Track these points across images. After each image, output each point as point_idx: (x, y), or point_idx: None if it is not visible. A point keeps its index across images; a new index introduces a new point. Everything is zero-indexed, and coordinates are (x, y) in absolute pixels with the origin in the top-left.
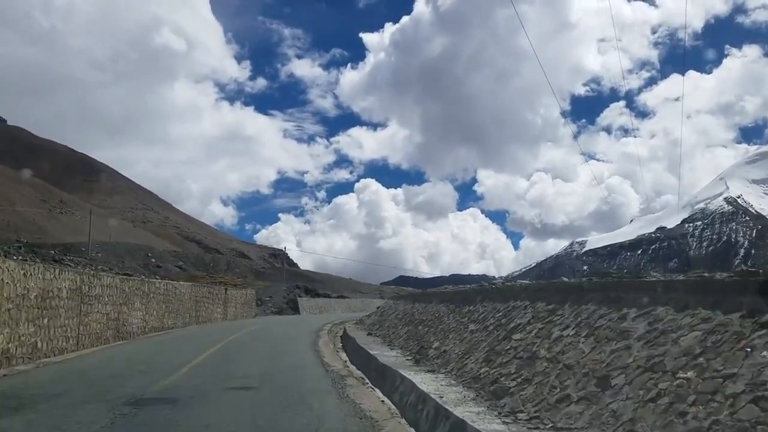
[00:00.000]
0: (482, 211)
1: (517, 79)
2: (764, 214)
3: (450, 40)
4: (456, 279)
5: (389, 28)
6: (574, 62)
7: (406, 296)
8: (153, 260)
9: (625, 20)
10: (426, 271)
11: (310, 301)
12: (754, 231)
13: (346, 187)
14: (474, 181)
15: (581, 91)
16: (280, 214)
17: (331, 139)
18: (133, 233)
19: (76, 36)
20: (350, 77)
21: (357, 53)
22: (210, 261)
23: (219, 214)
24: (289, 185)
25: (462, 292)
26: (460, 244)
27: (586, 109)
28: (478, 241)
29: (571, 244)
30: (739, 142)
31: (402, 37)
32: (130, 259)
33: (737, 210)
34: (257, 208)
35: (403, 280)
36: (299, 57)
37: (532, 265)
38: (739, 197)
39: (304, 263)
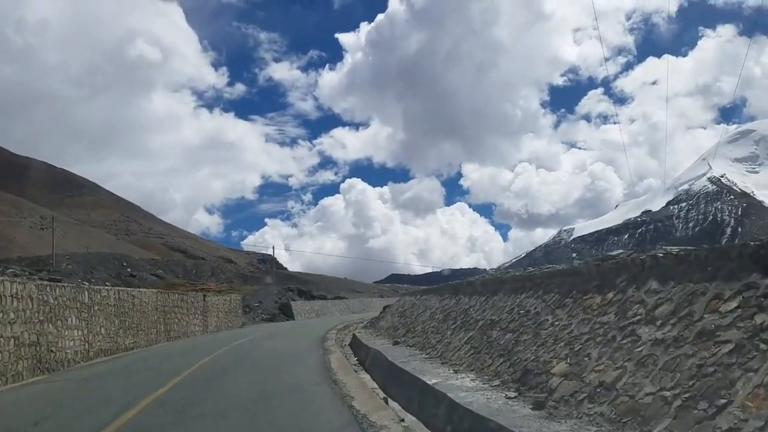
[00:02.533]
0: (469, 205)
1: (495, 72)
2: (748, 191)
3: (426, 35)
4: (448, 274)
5: (365, 27)
6: (551, 53)
7: (438, 288)
8: (128, 270)
9: (599, 8)
10: (418, 267)
11: (304, 305)
12: (740, 209)
13: (331, 189)
14: (459, 175)
15: (559, 81)
16: (266, 219)
17: (314, 141)
18: (116, 246)
19: (51, 52)
20: (329, 78)
21: (334, 54)
22: (192, 268)
23: (204, 223)
24: (274, 189)
25: (561, 273)
26: (449, 239)
27: (565, 98)
28: (467, 235)
29: (559, 233)
30: (719, 123)
31: (378, 35)
32: (103, 270)
33: (721, 189)
34: (243, 214)
35: (396, 278)
36: (277, 60)
37: (522, 256)
38: (722, 176)
39: (294, 266)
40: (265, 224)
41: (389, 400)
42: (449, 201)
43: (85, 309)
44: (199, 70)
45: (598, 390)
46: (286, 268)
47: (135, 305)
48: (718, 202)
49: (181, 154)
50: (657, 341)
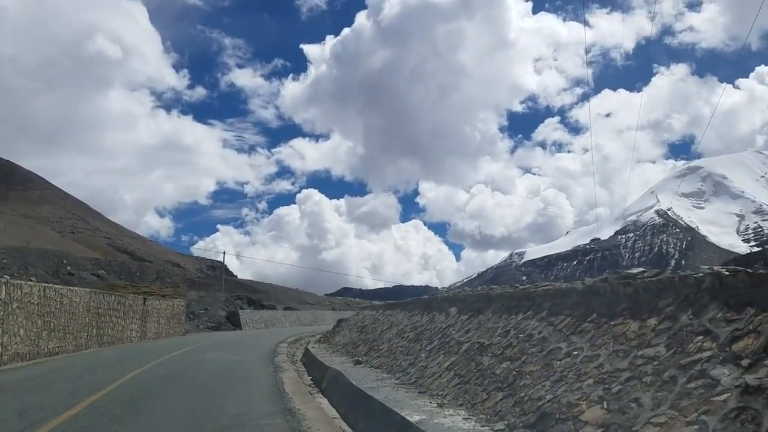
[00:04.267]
0: (424, 223)
1: (457, 94)
2: (693, 226)
3: (391, 53)
4: (400, 290)
5: (330, 40)
6: (511, 79)
7: (406, 303)
8: (68, 267)
9: (560, 40)
10: (370, 282)
11: (253, 314)
12: (684, 242)
13: (287, 198)
14: (416, 193)
15: (518, 107)
16: (218, 225)
17: (273, 150)
18: (59, 243)
19: (5, 43)
20: (292, 88)
21: (299, 64)
22: (137, 270)
23: (154, 225)
24: (228, 196)
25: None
26: (403, 256)
27: (522, 124)
28: (420, 252)
29: (511, 255)
30: (668, 158)
31: (343, 49)
32: (41, 266)
33: (668, 222)
34: (195, 219)
35: (348, 291)
36: (240, 67)
37: (474, 276)
38: (669, 210)
39: (245, 274)
40: (217, 230)
41: None
42: (405, 218)
43: (1, 306)
44: (159, 71)
45: None
46: (236, 276)
47: (64, 305)
48: (664, 235)
49: (135, 154)
50: (750, 389)
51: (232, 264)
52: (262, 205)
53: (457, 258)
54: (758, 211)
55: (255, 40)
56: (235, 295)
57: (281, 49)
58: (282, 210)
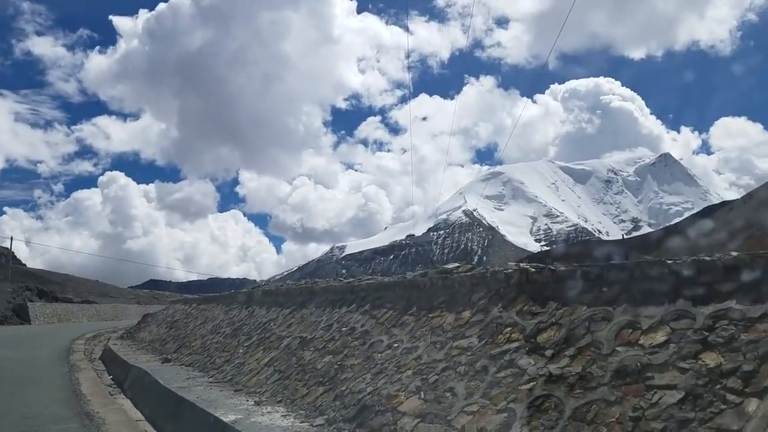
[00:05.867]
0: (244, 214)
1: (280, 85)
2: (494, 225)
3: (211, 35)
4: (215, 283)
5: (144, 14)
6: (336, 76)
7: (223, 297)
8: None
9: (383, 42)
10: (181, 274)
11: (45, 308)
12: (486, 240)
13: (88, 181)
14: (236, 182)
15: (342, 104)
16: (5, 208)
17: (73, 127)
18: None
19: None
20: (98, 62)
21: (107, 37)
22: None
23: None
24: (18, 175)
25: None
26: (220, 247)
27: (346, 121)
28: (239, 244)
29: (332, 249)
30: (475, 162)
31: (159, 25)
32: None
33: (473, 222)
34: None
35: (156, 284)
36: (39, 34)
37: (294, 269)
38: (474, 210)
39: (35, 263)
40: (3, 213)
41: None
42: (223, 207)
43: None
44: None
45: None
46: (24, 265)
47: None
48: (470, 233)
49: None
50: (553, 378)
51: (21, 251)
52: (59, 188)
53: (278, 250)
54: (548, 215)
55: (58, 7)
56: (23, 286)
57: (88, 19)
58: (81, 193)
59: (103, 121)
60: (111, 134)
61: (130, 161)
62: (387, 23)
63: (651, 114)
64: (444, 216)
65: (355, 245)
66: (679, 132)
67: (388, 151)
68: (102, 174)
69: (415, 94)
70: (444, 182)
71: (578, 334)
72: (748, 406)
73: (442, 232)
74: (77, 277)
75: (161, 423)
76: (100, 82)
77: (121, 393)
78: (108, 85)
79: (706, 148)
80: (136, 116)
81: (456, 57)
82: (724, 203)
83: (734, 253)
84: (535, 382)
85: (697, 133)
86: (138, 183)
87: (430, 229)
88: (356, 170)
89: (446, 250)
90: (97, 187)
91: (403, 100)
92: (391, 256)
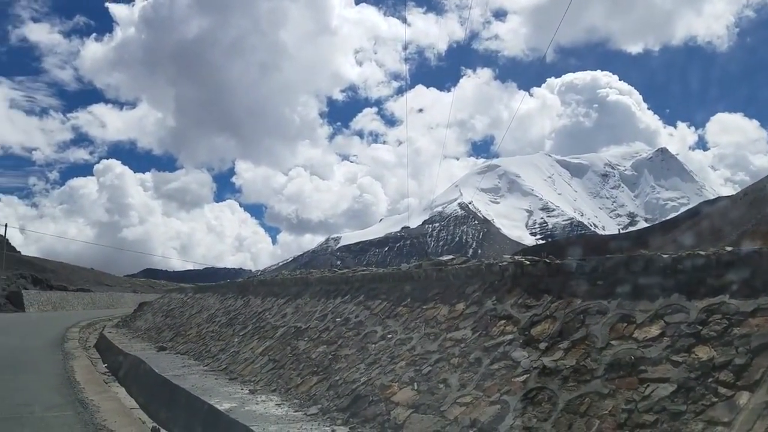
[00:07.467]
0: (240, 204)
1: (277, 75)
2: (489, 218)
3: (209, 23)
4: (211, 272)
5: (140, 2)
6: (333, 67)
7: (218, 286)
8: None
9: (380, 34)
10: (177, 263)
11: (40, 296)
12: (481, 233)
13: (84, 169)
14: (232, 172)
15: (339, 96)
16: None
17: (69, 115)
18: None
19: None
20: (95, 49)
21: (104, 24)
22: None
23: None
24: (13, 162)
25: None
26: (216, 236)
27: (342, 113)
28: (235, 234)
29: (327, 240)
30: (470, 155)
31: (155, 13)
32: None
33: (468, 214)
34: None
35: (152, 273)
36: (36, 20)
37: (289, 260)
38: (470, 203)
39: (30, 250)
40: None
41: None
42: (219, 197)
43: None
44: None
45: None
46: (19, 252)
47: None
48: (465, 226)
49: None
50: (547, 370)
51: (16, 238)
52: (54, 175)
53: (274, 241)
54: (544, 208)
55: None
56: (18, 273)
57: (84, 6)
58: (77, 181)
59: (99, 109)
60: (107, 122)
61: (126, 150)
62: (384, 14)
63: (648, 108)
64: (439, 208)
65: (350, 236)
66: (675, 127)
67: (384, 142)
68: (98, 162)
69: (411, 86)
70: (439, 174)
71: (573, 328)
72: (739, 399)
73: (437, 224)
74: (72, 265)
75: (156, 411)
76: (97, 70)
77: (115, 381)
78: (104, 73)
79: (702, 144)
80: (132, 105)
81: (453, 49)
82: (719, 199)
83: (728, 248)
84: (528, 375)
85: (693, 128)
86: (135, 172)
87: (425, 222)
88: (352, 162)
89: (441, 243)
90: (92, 175)
91: (400, 91)
92: (386, 248)
